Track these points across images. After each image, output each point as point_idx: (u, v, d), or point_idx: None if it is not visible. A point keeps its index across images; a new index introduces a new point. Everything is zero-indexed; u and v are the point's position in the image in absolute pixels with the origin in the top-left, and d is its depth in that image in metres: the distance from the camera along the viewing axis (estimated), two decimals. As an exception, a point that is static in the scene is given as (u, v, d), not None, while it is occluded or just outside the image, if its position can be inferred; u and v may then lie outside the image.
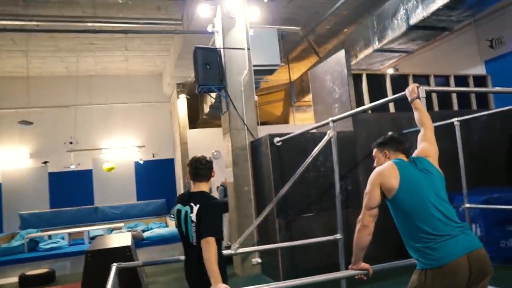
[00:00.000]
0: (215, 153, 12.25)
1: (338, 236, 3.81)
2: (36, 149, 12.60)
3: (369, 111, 6.47)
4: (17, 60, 10.94)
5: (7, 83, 12.34)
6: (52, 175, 12.66)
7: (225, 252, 4.08)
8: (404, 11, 7.00)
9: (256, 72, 7.03)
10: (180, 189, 12.46)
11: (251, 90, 6.26)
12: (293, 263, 5.27)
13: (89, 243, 10.61)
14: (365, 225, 2.22)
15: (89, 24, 7.77)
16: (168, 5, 8.11)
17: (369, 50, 8.47)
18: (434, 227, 2.07)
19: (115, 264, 2.96)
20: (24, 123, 9.82)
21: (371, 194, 2.23)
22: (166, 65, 12.38)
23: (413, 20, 6.83)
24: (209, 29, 6.43)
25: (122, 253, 3.65)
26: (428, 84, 7.48)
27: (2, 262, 9.54)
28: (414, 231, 2.14)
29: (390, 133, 2.57)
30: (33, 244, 10.59)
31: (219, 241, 2.51)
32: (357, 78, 7.04)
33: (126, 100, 13.17)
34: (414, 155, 2.41)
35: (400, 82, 7.57)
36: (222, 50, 6.14)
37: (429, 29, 7.12)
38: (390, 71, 10.45)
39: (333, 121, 3.89)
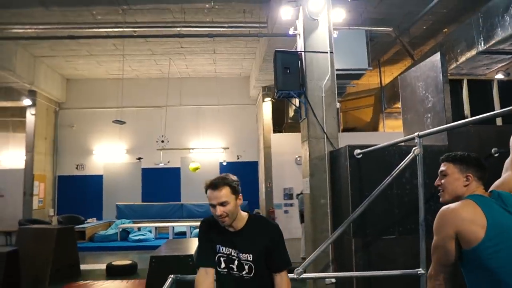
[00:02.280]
0: (298, 159, 12.00)
1: (421, 271, 3.30)
2: (131, 145, 13.63)
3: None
4: (119, 63, 11.91)
5: (109, 84, 13.55)
6: (144, 171, 13.58)
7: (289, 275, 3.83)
8: (519, 6, 6.01)
9: (341, 77, 6.61)
10: (262, 193, 12.44)
11: (333, 96, 5.88)
12: (368, 289, 4.79)
13: (174, 238, 11.13)
14: (443, 283, 1.72)
15: (179, 29, 8.07)
16: (254, 8, 8.08)
17: (472, 52, 7.47)
18: None
19: (172, 276, 2.89)
20: (118, 122, 10.62)
21: (445, 249, 1.68)
22: (252, 68, 12.48)
23: (530, 17, 5.83)
24: (291, 31, 6.19)
25: (184, 261, 3.60)
26: (547, 93, 6.36)
27: (98, 248, 10.46)
28: None
29: (472, 154, 1.96)
30: (125, 234, 11.45)
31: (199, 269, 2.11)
32: (456, 85, 6.25)
33: (214, 102, 13.57)
34: (494, 187, 1.83)
35: (510, 88, 6.56)
36: (303, 53, 5.86)
37: (551, 28, 6.03)
38: (500, 76, 9.16)
39: (420, 136, 3.39)
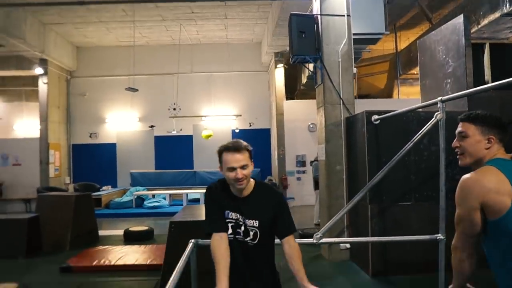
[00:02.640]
0: (311, 126, 11.94)
1: (440, 236, 3.29)
2: (144, 113, 13.65)
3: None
4: (129, 30, 11.73)
5: (119, 51, 13.42)
6: (157, 139, 13.66)
7: (305, 240, 3.87)
8: (549, -36, 5.68)
9: (357, 41, 6.41)
10: (275, 161, 12.48)
11: (350, 61, 5.74)
12: (385, 255, 4.84)
13: (187, 204, 11.31)
14: (470, 254, 1.64)
15: (189, -8, 7.85)
16: (267, -29, 7.80)
17: (496, 15, 7.14)
18: None
19: (192, 240, 2.93)
20: (130, 90, 10.58)
21: (471, 220, 1.57)
22: (264, 33, 12.20)
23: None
24: (307, -6, 5.98)
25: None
26: None
27: (114, 215, 10.70)
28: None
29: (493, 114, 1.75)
30: (140, 201, 11.67)
31: (209, 235, 2.08)
32: (477, 49, 6.03)
33: (226, 69, 13.41)
34: None
35: (534, 53, 6.32)
36: (319, 17, 5.67)
37: None
38: (522, 39, 8.82)
39: (443, 101, 3.30)
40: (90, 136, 13.67)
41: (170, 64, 13.18)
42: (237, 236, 2.07)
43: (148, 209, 11.13)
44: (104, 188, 12.65)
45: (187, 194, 11.92)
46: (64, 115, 13.51)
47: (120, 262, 5.42)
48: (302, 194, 11.64)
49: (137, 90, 10.82)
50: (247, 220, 2.06)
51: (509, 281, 1.58)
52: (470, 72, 5.12)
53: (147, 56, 13.28)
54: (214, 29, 12.02)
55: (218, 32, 12.32)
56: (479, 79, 5.86)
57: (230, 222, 2.07)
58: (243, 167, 1.99)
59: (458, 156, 1.75)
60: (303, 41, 5.53)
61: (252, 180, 2.12)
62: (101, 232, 7.83)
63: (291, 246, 2.07)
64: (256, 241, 2.06)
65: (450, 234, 3.38)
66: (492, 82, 5.94)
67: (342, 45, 5.64)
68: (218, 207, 2.10)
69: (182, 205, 11.66)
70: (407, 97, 12.79)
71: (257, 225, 2.05)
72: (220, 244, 2.02)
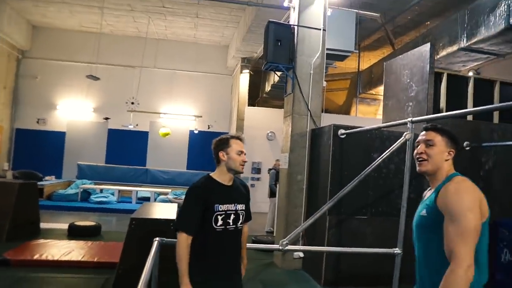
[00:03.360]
0: (269, 134, 12.05)
1: (397, 250, 3.42)
2: (99, 104, 13.08)
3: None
4: (94, 16, 11.24)
5: (81, 37, 12.81)
6: (111, 132, 13.13)
7: (271, 246, 3.88)
8: (506, 6, 6.17)
9: (327, 56, 6.59)
10: (229, 165, 12.40)
11: (321, 74, 5.86)
12: (338, 266, 4.94)
13: (136, 203, 10.94)
14: (470, 271, 1.50)
15: (164, -14, 7.68)
16: (245, -25, 7.81)
17: (454, 48, 7.68)
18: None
19: (157, 239, 2.82)
20: (92, 78, 10.12)
21: (477, 218, 1.53)
22: (234, 37, 12.19)
23: (515, 19, 6.02)
24: (285, 3, 6.04)
25: (166, 226, 3.52)
26: (517, 94, 6.68)
27: (56, 207, 10.09)
28: (485, 269, 1.66)
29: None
30: (86, 194, 11.10)
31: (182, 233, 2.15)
32: (436, 77, 6.39)
33: (190, 68, 13.22)
34: None
35: (483, 87, 6.82)
36: (296, 27, 5.76)
37: (531, 32, 6.26)
38: (471, 74, 9.51)
39: (412, 122, 3.45)
40: (38, 122, 12.85)
41: (133, 57, 12.77)
42: (227, 227, 2.22)
43: (94, 204, 10.60)
44: (47, 178, 11.89)
45: (137, 192, 11.52)
46: (10, 96, 12.62)
47: (65, 258, 5.08)
48: (255, 201, 11.63)
49: (98, 79, 10.36)
50: (238, 205, 2.28)
51: (479, 276, 1.61)
52: (431, 98, 5.41)
53: (110, 46, 12.77)
54: (183, 27, 11.83)
55: (187, 30, 12.15)
56: (435, 105, 6.22)
57: (220, 215, 2.20)
58: (244, 153, 2.35)
59: (419, 162, 1.79)
60: (279, 49, 5.57)
61: None
62: (43, 225, 7.33)
63: (244, 231, 2.46)
64: (242, 224, 2.34)
65: (406, 249, 3.54)
66: (447, 109, 6.34)
67: (315, 58, 5.76)
68: (205, 205, 2.17)
69: (130, 202, 11.27)
70: (364, 115, 13.30)
71: (244, 209, 2.33)
72: (188, 245, 2.14)
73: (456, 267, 1.47)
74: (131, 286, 2.19)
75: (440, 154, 1.73)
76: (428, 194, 1.83)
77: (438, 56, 8.19)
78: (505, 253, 5.43)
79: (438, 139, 1.76)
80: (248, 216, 2.42)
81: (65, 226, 7.23)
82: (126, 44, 13.00)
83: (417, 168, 1.80)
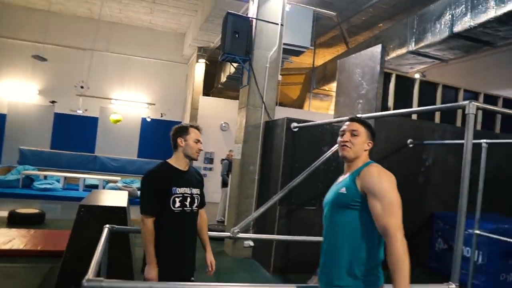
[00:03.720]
0: (223, 125, 12.06)
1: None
2: (45, 86, 12.41)
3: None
4: (41, -8, 10.62)
5: (27, 13, 12.04)
6: (57, 116, 12.52)
7: (222, 234, 3.94)
8: (450, 16, 6.61)
9: (284, 51, 6.71)
10: (182, 154, 12.30)
11: (276, 68, 5.97)
12: (286, 255, 5.12)
13: (83, 190, 10.56)
14: (402, 237, 1.61)
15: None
16: (205, -36, 7.74)
17: (403, 51, 8.11)
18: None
19: (107, 226, 2.78)
20: (38, 58, 9.57)
21: (400, 203, 1.67)
22: (190, 26, 12.02)
23: (457, 28, 6.46)
24: (245, -4, 6.08)
25: (116, 213, 3.47)
26: (457, 98, 7.19)
27: (-5, 193, 9.50)
28: (378, 249, 1.76)
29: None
30: (28, 181, 10.55)
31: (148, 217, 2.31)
32: (386, 77, 6.72)
33: (144, 55, 12.88)
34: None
35: (428, 89, 7.25)
36: (254, 21, 5.81)
37: (471, 40, 6.75)
38: (417, 76, 10.09)
39: (361, 119, 3.63)
40: (-25, 102, 11.98)
41: (85, 39, 12.23)
42: (185, 208, 2.37)
43: (38, 191, 10.10)
44: (-16, 162, 11.16)
45: (84, 179, 11.11)
46: None
47: (4, 247, 4.85)
48: (208, 191, 11.57)
49: (45, 59, 9.80)
50: (193, 189, 2.43)
51: (372, 262, 1.73)
52: (380, 97, 5.70)
53: (59, 25, 12.11)
54: (139, 11, 11.49)
55: (143, 16, 11.81)
56: (384, 103, 6.55)
57: (178, 197, 2.34)
58: (201, 142, 2.50)
59: (343, 148, 1.89)
60: (236, 41, 5.61)
61: None
62: (-21, 212, 6.92)
63: (202, 218, 2.59)
64: (198, 207, 2.48)
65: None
66: (394, 108, 6.70)
67: (272, 52, 5.85)
68: (163, 188, 2.31)
69: (77, 189, 10.86)
70: (317, 110, 13.67)
71: (198, 193, 2.48)
72: (152, 227, 2.29)
73: (393, 238, 1.59)
74: (78, 273, 2.18)
75: (362, 144, 1.86)
76: (341, 178, 1.93)
77: (388, 57, 8.60)
78: (439, 242, 5.89)
79: (362, 130, 1.89)
80: (202, 202, 2.54)
81: (5, 213, 6.85)
82: (77, 25, 12.39)
83: (340, 153, 1.92)
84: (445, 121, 6.97)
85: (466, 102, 2.42)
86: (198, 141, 2.45)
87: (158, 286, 1.91)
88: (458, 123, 7.18)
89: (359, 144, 1.86)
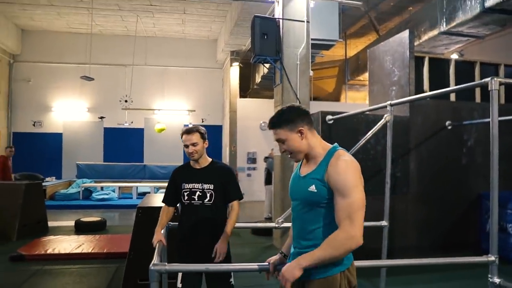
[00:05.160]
0: (262, 124, 12.33)
1: (384, 223, 3.76)
2: (94, 104, 13.29)
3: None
4: (82, 17, 11.39)
5: (71, 38, 12.96)
6: (107, 130, 13.36)
7: (268, 224, 4.21)
8: (480, -9, 6.48)
9: (313, 46, 6.86)
10: (226, 157, 12.72)
11: (307, 64, 6.15)
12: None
13: (137, 198, 11.23)
14: (361, 242, 1.57)
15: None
16: (230, -29, 8.05)
17: (435, 32, 7.99)
18: None
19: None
20: (86, 78, 10.32)
21: (363, 192, 1.64)
22: (221, 31, 12.41)
23: (489, 2, 6.32)
24: (270, -2, 6.31)
25: (170, 213, 3.81)
26: (497, 74, 7.00)
27: (60, 206, 10.36)
28: None
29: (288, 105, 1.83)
30: (87, 193, 11.38)
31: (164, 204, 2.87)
32: (418, 61, 6.69)
33: (180, 64, 13.43)
34: None
35: (465, 69, 7.13)
36: (281, 21, 6.02)
37: (506, 13, 6.57)
38: (455, 56, 9.86)
39: (391, 105, 3.76)
40: (34, 125, 13.05)
41: (124, 55, 12.96)
42: (192, 202, 2.67)
43: (97, 201, 10.89)
44: (47, 179, 12.14)
45: (137, 188, 11.82)
46: (5, 100, 12.79)
47: (76, 251, 5.40)
48: (252, 190, 12.00)
49: (93, 79, 10.55)
50: (204, 184, 2.67)
51: None
52: (412, 82, 5.73)
53: (99, 46, 12.94)
54: (171, 23, 12.03)
55: (175, 27, 12.34)
56: (419, 88, 6.53)
57: (185, 191, 2.69)
58: (193, 144, 2.67)
59: (289, 156, 1.84)
60: (265, 42, 5.84)
61: (209, 158, 2.80)
62: (49, 223, 7.62)
63: (233, 209, 2.74)
64: (212, 202, 2.67)
65: (390, 222, 3.89)
66: (430, 91, 6.67)
67: (301, 48, 6.04)
68: (175, 183, 2.74)
69: (131, 198, 11.57)
70: (354, 101, 13.63)
71: (212, 188, 2.68)
72: (163, 211, 2.80)
73: (341, 232, 1.57)
74: (142, 269, 2.51)
75: (294, 142, 1.73)
76: (306, 169, 1.79)
77: (420, 41, 8.51)
78: (489, 223, 5.81)
79: (282, 133, 1.74)
80: (232, 195, 2.72)
81: (71, 223, 7.52)
82: (116, 43, 13.18)
83: (295, 161, 1.87)
84: (486, 99, 6.83)
85: (488, 79, 2.49)
86: (186, 146, 2.67)
87: (211, 268, 2.16)
88: (502, 100, 7.01)
89: (292, 146, 1.73)
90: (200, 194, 2.66)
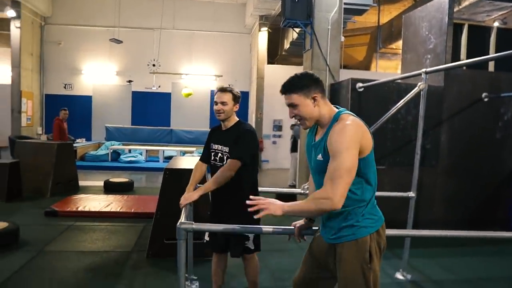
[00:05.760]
0: (289, 92, 12.18)
1: (411, 194, 3.69)
2: (122, 67, 13.41)
3: (464, 67, 5.87)
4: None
5: (101, 1, 12.94)
6: (135, 94, 13.53)
7: (293, 190, 4.21)
8: (531, -48, 5.98)
9: (345, 11, 6.61)
10: (252, 124, 12.69)
11: (338, 29, 5.94)
12: (356, 212, 5.26)
13: (163, 161, 11.46)
14: (337, 206, 1.58)
15: None
16: None
17: (477, -3, 7.53)
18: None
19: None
20: (115, 41, 10.38)
21: (354, 157, 1.59)
22: (250, -5, 12.09)
23: (540, -36, 5.85)
24: (303, -41, 6.03)
25: (196, 175, 3.86)
26: (542, 43, 6.56)
27: (89, 167, 10.72)
28: (372, 193, 1.75)
29: (297, 73, 1.81)
30: (116, 155, 11.70)
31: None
32: (456, 29, 6.33)
33: (208, 28, 13.26)
34: None
35: (507, 37, 6.70)
36: (313, -17, 5.79)
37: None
38: (496, 24, 9.27)
39: (426, 73, 3.60)
40: (65, 87, 13.35)
41: (152, 19, 12.90)
42: (215, 162, 2.72)
43: (124, 163, 11.20)
44: (78, 140, 12.50)
45: (163, 151, 12.04)
46: (37, 63, 13.06)
47: (105, 209, 5.60)
48: (277, 157, 12.03)
49: (121, 42, 10.62)
50: (224, 147, 2.67)
51: (371, 195, 1.74)
52: (449, 50, 5.45)
53: (128, 8, 12.89)
54: (200, -14, 11.80)
55: (204, -11, 12.11)
56: (455, 57, 6.22)
57: (212, 151, 2.75)
58: (223, 103, 2.63)
59: (299, 122, 1.85)
60: (296, 6, 5.66)
61: (236, 118, 2.74)
62: (80, 183, 7.92)
63: (223, 166, 2.60)
64: (223, 163, 2.64)
65: (419, 193, 3.81)
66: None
67: (333, 13, 5.82)
68: (208, 142, 2.81)
69: (158, 161, 11.82)
70: (384, 70, 13.20)
71: (227, 151, 2.66)
72: (197, 166, 2.86)
73: (321, 191, 1.60)
74: (169, 228, 2.56)
75: (306, 108, 1.73)
76: (317, 137, 1.82)
77: (460, 7, 8.04)
78: (521, 197, 5.62)
79: (295, 98, 1.74)
80: (231, 153, 2.61)
81: (100, 183, 7.78)
82: (144, 6, 13.09)
83: (302, 128, 1.87)
84: (528, 70, 6.45)
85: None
86: (216, 103, 2.66)
87: (236, 228, 2.18)
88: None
89: (303, 112, 1.73)
90: (221, 155, 2.68)
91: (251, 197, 1.74)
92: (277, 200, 1.71)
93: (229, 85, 2.81)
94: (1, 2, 11.49)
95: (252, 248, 2.69)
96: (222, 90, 2.67)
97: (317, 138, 1.79)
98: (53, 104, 13.31)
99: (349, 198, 1.65)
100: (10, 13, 11.48)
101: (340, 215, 1.74)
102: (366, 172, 1.70)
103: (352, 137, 1.60)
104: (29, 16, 12.16)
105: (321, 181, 1.68)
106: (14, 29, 11.75)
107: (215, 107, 2.66)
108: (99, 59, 13.27)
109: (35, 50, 12.82)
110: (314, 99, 1.72)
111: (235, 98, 2.69)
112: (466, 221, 5.44)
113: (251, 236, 2.66)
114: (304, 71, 1.82)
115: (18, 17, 11.66)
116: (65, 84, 13.35)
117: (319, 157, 1.72)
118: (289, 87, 1.76)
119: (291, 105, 1.76)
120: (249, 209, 1.71)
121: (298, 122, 1.83)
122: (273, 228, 2.01)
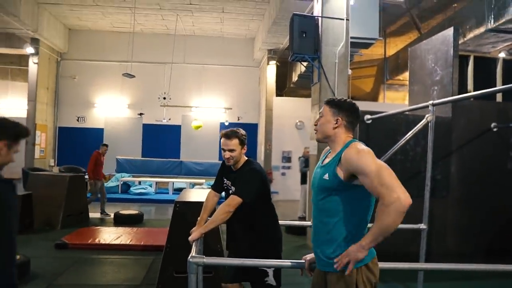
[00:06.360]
0: (298, 123, 12.29)
1: (423, 226, 3.65)
2: (134, 100, 13.72)
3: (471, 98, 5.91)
4: (124, 16, 11.79)
5: (114, 37, 13.44)
6: (145, 126, 13.76)
7: (303, 223, 4.19)
8: (532, -14, 6.15)
9: (352, 45, 6.75)
10: (261, 155, 12.76)
11: (346, 62, 6.06)
12: (367, 244, 5.19)
13: (173, 193, 11.49)
14: (408, 200, 1.62)
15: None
16: (269, -31, 8.06)
17: (481, 30, 7.65)
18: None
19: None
20: (127, 76, 10.67)
21: (385, 167, 1.66)
22: (259, 30, 12.45)
23: (542, -2, 5.99)
24: (309, -4, 6.26)
25: (207, 208, 3.87)
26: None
27: (99, 199, 10.74)
28: (365, 224, 1.79)
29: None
30: (126, 187, 11.77)
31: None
32: (462, 60, 6.48)
33: (218, 62, 13.60)
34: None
35: (513, 68, 6.80)
36: (319, 18, 5.97)
37: (560, 10, 6.21)
38: (502, 55, 9.37)
39: (433, 105, 3.65)
40: (78, 120, 13.65)
41: (163, 54, 13.29)
42: (227, 197, 2.72)
43: (134, 195, 11.25)
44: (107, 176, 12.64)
45: (173, 183, 12.09)
46: (52, 97, 13.44)
47: (115, 242, 5.60)
48: (286, 189, 11.99)
49: (133, 76, 10.92)
50: (232, 186, 2.70)
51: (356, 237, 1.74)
52: (455, 81, 5.51)
53: (140, 44, 13.29)
54: (210, 22, 12.20)
55: (214, 25, 12.51)
56: (462, 88, 6.30)
57: (224, 185, 2.80)
58: (231, 150, 2.61)
59: (314, 129, 1.96)
60: (304, 40, 5.82)
61: (244, 158, 2.73)
62: (90, 215, 7.95)
63: (223, 203, 2.57)
64: None
65: (431, 224, 3.77)
66: (474, 91, 6.40)
67: (340, 47, 5.96)
68: (220, 173, 2.85)
69: (167, 193, 11.86)
70: (392, 101, 13.29)
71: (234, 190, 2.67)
72: (209, 196, 2.87)
73: (384, 201, 1.59)
74: (179, 261, 2.56)
75: (326, 124, 1.84)
76: (327, 159, 1.88)
77: (465, 39, 8.17)
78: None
79: (326, 110, 1.87)
80: (235, 191, 2.61)
81: (111, 215, 7.81)
82: (156, 41, 13.53)
83: (314, 137, 2.01)
84: (535, 100, 6.48)
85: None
86: (223, 150, 2.63)
87: (247, 262, 2.19)
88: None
89: (322, 124, 1.85)
90: (231, 192, 2.69)
91: (335, 260, 1.71)
92: (351, 247, 1.68)
93: (226, 121, 2.89)
94: (20, 40, 11.98)
95: (274, 284, 2.62)
96: (227, 136, 2.62)
97: (326, 161, 1.87)
98: (66, 136, 13.61)
99: (337, 229, 1.74)
100: (29, 50, 11.96)
101: (329, 244, 1.78)
102: (363, 201, 1.77)
103: (370, 153, 1.69)
104: (46, 52, 12.64)
105: (323, 202, 1.79)
106: (32, 65, 12.21)
107: (223, 154, 2.64)
108: (111, 93, 13.62)
109: (50, 84, 13.23)
110: (337, 121, 1.83)
111: (242, 142, 2.66)
112: (480, 253, 5.32)
113: (270, 272, 2.61)
114: (350, 99, 1.95)
115: (36, 53, 12.13)
116: (78, 117, 13.66)
117: (326, 176, 1.78)
118: (329, 101, 1.91)
119: (320, 114, 1.91)
120: (336, 267, 1.69)
121: (314, 129, 1.96)
122: (284, 261, 2.02)
